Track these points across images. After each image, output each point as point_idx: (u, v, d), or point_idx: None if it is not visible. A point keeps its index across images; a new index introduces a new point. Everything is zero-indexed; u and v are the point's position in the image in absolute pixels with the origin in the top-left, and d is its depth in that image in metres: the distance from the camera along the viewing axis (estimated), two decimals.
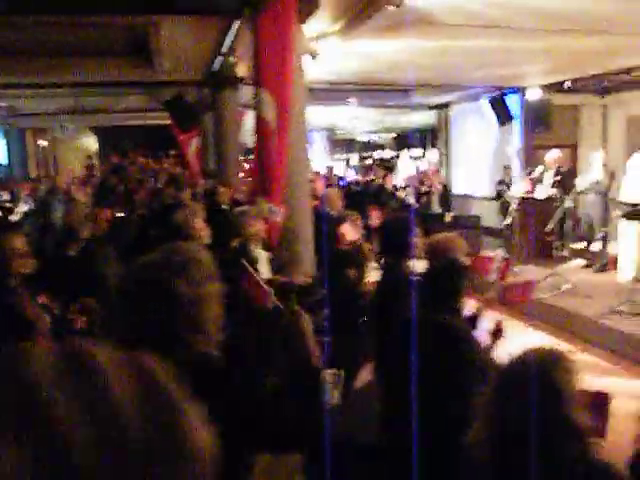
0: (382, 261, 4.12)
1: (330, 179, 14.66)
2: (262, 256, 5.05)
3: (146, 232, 6.18)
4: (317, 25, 7.02)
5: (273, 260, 5.17)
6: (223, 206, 8.02)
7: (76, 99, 12.36)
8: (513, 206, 9.40)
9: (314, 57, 7.41)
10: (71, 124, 15.63)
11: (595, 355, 6.77)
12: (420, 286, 3.41)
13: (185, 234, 4.61)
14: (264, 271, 5.02)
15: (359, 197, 12.15)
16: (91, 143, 24.18)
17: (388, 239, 3.96)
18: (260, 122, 5.74)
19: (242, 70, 9.68)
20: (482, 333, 3.87)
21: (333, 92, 13.26)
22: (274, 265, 5.15)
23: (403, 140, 26.44)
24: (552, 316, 7.81)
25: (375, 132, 28.21)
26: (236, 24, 6.61)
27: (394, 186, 13.90)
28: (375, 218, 7.81)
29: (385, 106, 16.13)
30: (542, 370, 1.76)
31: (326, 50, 7.90)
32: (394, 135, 27.64)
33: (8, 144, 19.97)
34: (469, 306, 3.90)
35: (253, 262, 4.96)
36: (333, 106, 15.45)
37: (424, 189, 12.69)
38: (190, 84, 10.64)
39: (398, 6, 5.11)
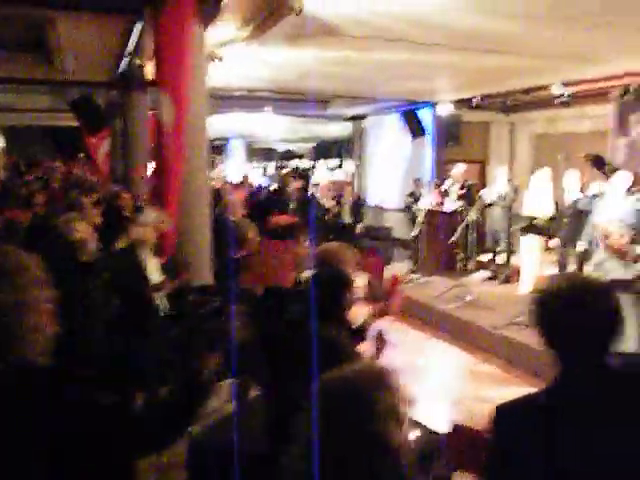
0: None
1: (244, 186, 14.50)
2: (152, 262, 4.87)
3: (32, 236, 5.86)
4: (224, 31, 6.91)
5: (165, 266, 5.00)
6: (125, 212, 7.74)
7: None
8: (420, 218, 9.53)
9: (220, 60, 7.28)
10: None
11: (494, 365, 6.91)
12: (304, 296, 3.35)
13: (64, 239, 4.38)
14: (154, 277, 4.85)
15: (269, 204, 12.05)
16: None
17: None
18: (159, 124, 5.57)
19: (151, 72, 9.44)
20: (370, 344, 3.82)
21: (250, 99, 13.18)
22: (167, 272, 4.98)
23: (321, 151, 26.58)
24: (454, 327, 7.93)
25: (294, 142, 28.26)
26: (139, 24, 6.40)
27: (311, 195, 13.85)
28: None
29: (302, 116, 16.11)
30: (360, 389, 1.67)
31: (237, 56, 7.79)
32: (313, 145, 27.76)
33: None
34: (359, 316, 3.85)
35: (140, 267, 4.79)
36: (251, 113, 15.31)
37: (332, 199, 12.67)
38: (97, 85, 10.27)
39: (298, 14, 5.05)
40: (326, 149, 26.00)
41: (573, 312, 1.85)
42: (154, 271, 4.87)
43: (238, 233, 5.01)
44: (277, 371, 3.33)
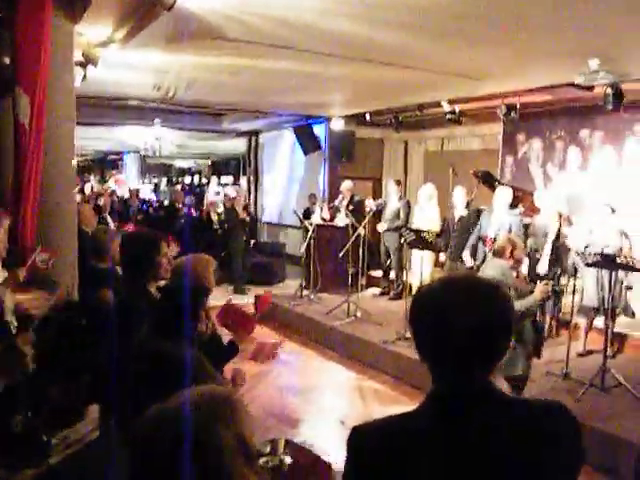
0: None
1: (132, 200, 13.90)
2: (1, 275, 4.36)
3: None
4: (100, 30, 6.47)
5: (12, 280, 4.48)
6: None
7: None
8: (309, 234, 9.33)
9: (94, 63, 6.81)
10: None
11: (380, 382, 6.73)
12: (154, 309, 3.02)
13: None
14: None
15: (155, 220, 11.61)
16: None
17: (126, 256, 3.49)
18: (18, 127, 5.06)
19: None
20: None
21: (140, 110, 12.64)
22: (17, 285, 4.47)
23: (218, 167, 26.23)
24: (344, 343, 7.74)
25: (191, 158, 27.72)
26: None
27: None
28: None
29: (195, 130, 15.66)
30: (197, 423, 1.35)
31: (119, 61, 7.35)
32: (209, 162, 27.36)
33: None
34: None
35: None
36: (145, 127, 14.73)
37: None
38: None
39: (169, 10, 4.72)
40: (223, 165, 25.67)
41: (441, 315, 1.43)
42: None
43: (96, 244, 4.60)
44: (124, 395, 2.96)
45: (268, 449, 3.70)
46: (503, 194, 7.71)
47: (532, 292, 4.62)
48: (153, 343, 2.63)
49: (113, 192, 17.48)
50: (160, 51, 6.83)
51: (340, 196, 10.21)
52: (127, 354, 2.88)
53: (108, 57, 7.12)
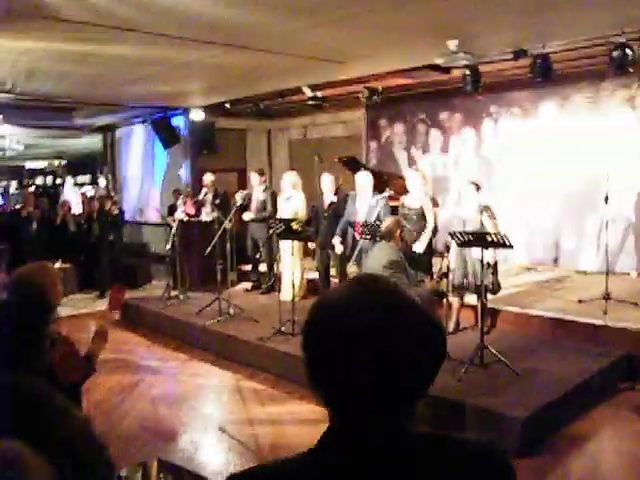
0: None
1: None
2: None
3: None
4: None
5: None
6: None
7: None
8: (173, 230, 8.85)
9: None
10: None
11: (260, 381, 6.44)
12: None
13: None
14: None
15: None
16: None
17: None
18: None
19: None
20: None
21: None
22: None
23: (74, 166, 24.79)
24: (218, 343, 7.37)
25: (44, 158, 25.99)
26: None
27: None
28: None
29: (45, 127, 14.56)
30: None
31: None
32: (64, 161, 25.80)
33: None
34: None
35: None
36: None
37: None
38: None
39: None
40: (79, 165, 24.27)
41: (334, 333, 1.04)
42: None
43: None
44: None
45: (139, 475, 3.32)
46: (363, 178, 7.66)
47: None
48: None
49: None
50: None
51: (204, 190, 9.78)
52: None
53: None
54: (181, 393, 6.20)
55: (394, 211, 7.46)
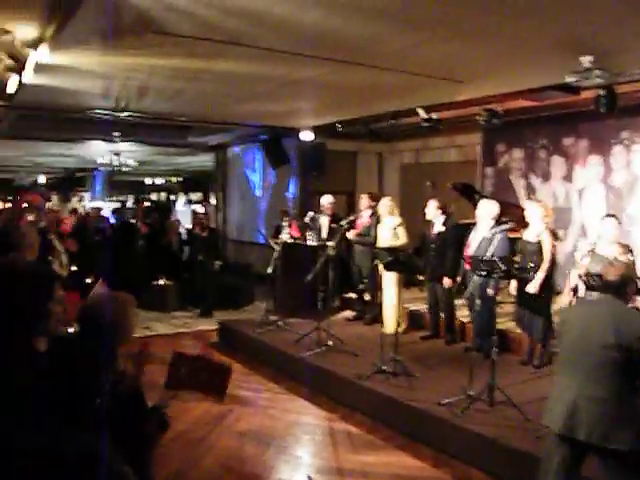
0: None
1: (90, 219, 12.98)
2: None
3: None
4: (26, 28, 5.68)
5: None
6: None
7: None
8: (276, 253, 8.54)
9: (24, 68, 6.03)
10: None
11: (355, 423, 5.93)
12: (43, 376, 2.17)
13: None
14: None
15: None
16: None
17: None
18: None
19: None
20: None
21: (96, 124, 11.83)
22: None
23: (189, 184, 25.47)
24: (314, 377, 6.91)
25: (161, 175, 26.88)
26: None
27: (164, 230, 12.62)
28: None
29: (159, 144, 14.84)
30: None
31: (53, 64, 6.56)
32: (180, 178, 26.58)
33: None
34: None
35: None
36: (100, 141, 13.88)
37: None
38: None
39: None
40: (192, 182, 24.90)
41: None
42: None
43: None
44: None
45: None
46: (488, 208, 7.02)
47: None
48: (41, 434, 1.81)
49: (75, 210, 16.62)
50: (99, 52, 6.03)
51: (311, 213, 9.41)
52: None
53: (43, 60, 6.34)
54: (270, 430, 5.78)
55: (512, 244, 6.81)
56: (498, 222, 6.89)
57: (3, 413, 2.01)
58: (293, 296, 9.06)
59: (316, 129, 11.43)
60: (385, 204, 8.30)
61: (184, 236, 12.69)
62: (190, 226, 14.14)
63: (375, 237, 8.39)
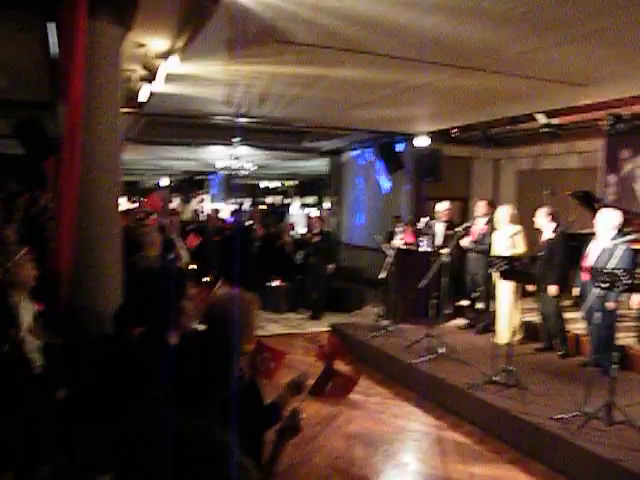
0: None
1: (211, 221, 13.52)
2: (27, 307, 3.85)
3: None
4: (159, 41, 6.04)
5: (44, 315, 3.98)
6: None
7: None
8: (389, 259, 8.54)
9: (155, 77, 6.40)
10: None
11: (464, 433, 5.84)
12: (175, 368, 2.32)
13: None
14: (26, 322, 3.82)
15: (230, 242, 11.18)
16: None
17: (141, 299, 2.73)
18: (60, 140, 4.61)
19: None
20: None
21: (218, 129, 12.35)
22: (47, 321, 3.97)
23: (304, 187, 25.91)
24: (423, 384, 6.87)
25: (277, 179, 27.56)
26: (52, 25, 5.47)
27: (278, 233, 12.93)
28: None
29: (274, 149, 15.22)
30: None
31: (180, 73, 6.93)
32: (296, 182, 27.10)
33: None
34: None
35: (10, 310, 3.77)
36: (221, 145, 14.43)
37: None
38: (36, 105, 9.29)
39: (216, 2, 4.16)
40: (307, 186, 25.31)
41: None
42: (27, 316, 3.85)
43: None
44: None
45: None
46: (609, 217, 6.70)
47: None
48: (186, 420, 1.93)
49: (195, 212, 17.32)
50: (223, 61, 6.32)
51: (426, 218, 9.36)
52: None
53: (172, 70, 6.71)
54: (379, 434, 5.81)
55: (636, 256, 6.47)
56: (620, 232, 6.57)
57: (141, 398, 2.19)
58: (405, 302, 9.03)
59: (431, 135, 11.36)
60: (506, 212, 8.09)
61: (298, 239, 12.93)
62: (304, 229, 14.39)
63: (490, 245, 8.23)
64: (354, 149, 14.83)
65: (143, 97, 7.63)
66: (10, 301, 3.78)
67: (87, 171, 4.43)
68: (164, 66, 6.55)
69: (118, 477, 2.41)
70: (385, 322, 8.88)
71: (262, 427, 2.73)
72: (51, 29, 5.50)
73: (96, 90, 4.50)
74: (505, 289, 7.66)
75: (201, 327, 2.93)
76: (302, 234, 13.43)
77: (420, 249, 9.38)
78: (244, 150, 14.84)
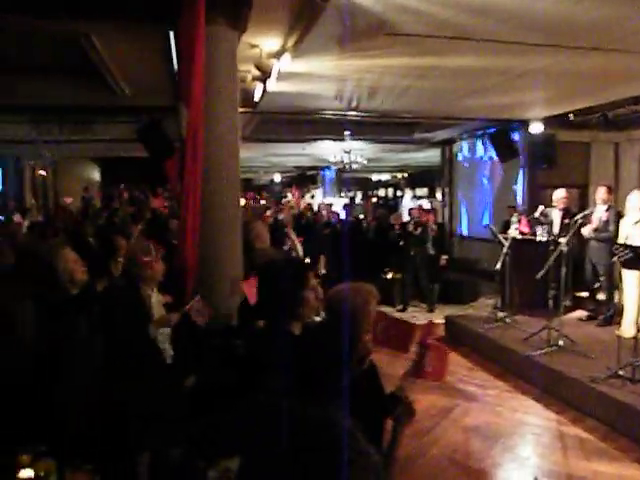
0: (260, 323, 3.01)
1: (323, 214, 13.76)
2: (155, 299, 4.11)
3: None
4: (271, 41, 6.23)
5: (172, 306, 4.23)
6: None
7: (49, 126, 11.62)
8: (505, 249, 8.36)
9: (268, 77, 6.60)
10: (50, 153, 15.02)
11: (586, 429, 5.64)
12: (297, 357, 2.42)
13: (49, 267, 3.75)
14: (157, 314, 4.08)
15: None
16: (95, 174, 23.64)
17: (265, 291, 2.83)
18: (182, 142, 4.88)
19: None
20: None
21: (329, 124, 12.52)
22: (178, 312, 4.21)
23: (414, 179, 25.74)
24: (542, 377, 6.70)
25: (388, 171, 27.50)
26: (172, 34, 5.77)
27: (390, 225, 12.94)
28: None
29: (385, 141, 15.23)
30: None
31: (292, 71, 7.09)
32: (406, 174, 26.95)
33: (4, 172, 19.45)
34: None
35: (143, 302, 4.04)
36: (332, 140, 14.62)
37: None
38: (159, 110, 9.79)
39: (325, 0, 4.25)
40: (418, 178, 25.12)
41: None
42: (156, 309, 4.11)
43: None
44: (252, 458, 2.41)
45: None
46: None
47: None
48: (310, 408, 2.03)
49: (309, 206, 17.64)
50: (334, 56, 6.42)
51: (541, 207, 9.06)
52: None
53: (285, 68, 6.88)
54: (497, 427, 5.73)
55: None
56: None
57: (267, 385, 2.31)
58: (522, 293, 8.82)
59: (546, 120, 10.99)
60: (635, 199, 7.70)
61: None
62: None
63: (615, 233, 7.87)
64: (466, 138, 14.59)
65: (257, 96, 7.87)
66: (143, 294, 4.05)
67: (209, 170, 4.66)
68: (277, 65, 6.73)
69: (242, 464, 2.55)
70: (501, 314, 8.70)
71: (382, 415, 2.78)
72: (171, 37, 5.81)
73: (215, 92, 4.71)
74: (632, 279, 7.31)
75: (320, 319, 3.03)
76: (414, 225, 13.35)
77: (537, 238, 9.10)
78: (355, 144, 14.95)
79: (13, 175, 19.74)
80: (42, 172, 20.88)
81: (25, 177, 20.30)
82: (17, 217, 12.53)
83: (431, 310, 10.69)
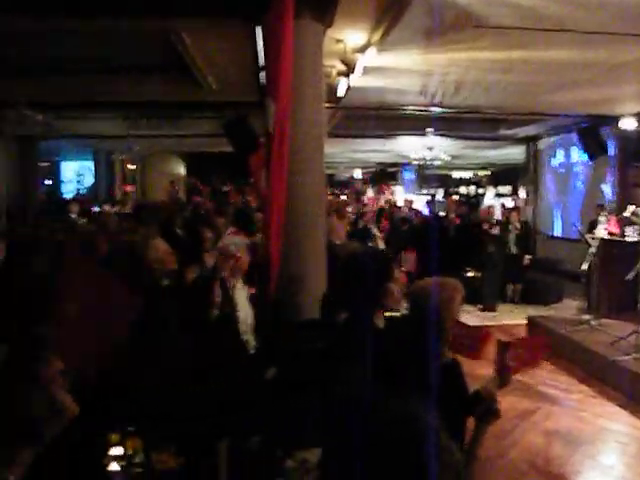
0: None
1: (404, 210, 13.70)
2: (241, 291, 4.21)
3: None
4: (357, 35, 6.24)
5: (257, 297, 4.32)
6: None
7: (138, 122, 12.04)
8: (592, 249, 8.08)
9: (352, 71, 6.60)
10: (139, 147, 15.56)
11: None
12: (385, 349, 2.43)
13: (141, 258, 3.89)
14: (241, 304, 4.18)
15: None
16: (180, 168, 24.29)
17: (347, 283, 2.83)
18: (268, 137, 4.96)
19: None
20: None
21: (412, 120, 12.43)
22: (259, 303, 4.30)
23: (497, 177, 25.23)
24: (631, 385, 6.44)
25: (470, 169, 27.04)
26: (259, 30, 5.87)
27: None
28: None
29: (468, 138, 14.98)
30: None
31: (376, 66, 7.08)
32: (489, 172, 26.44)
33: (96, 166, 20.34)
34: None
35: (228, 292, 4.14)
36: (415, 136, 14.51)
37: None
38: (245, 105, 9.96)
39: None
40: (501, 175, 24.59)
41: None
42: (242, 300, 4.21)
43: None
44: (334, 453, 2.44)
45: None
46: None
47: None
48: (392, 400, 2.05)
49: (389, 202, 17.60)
50: (420, 50, 6.37)
51: (632, 206, 8.72)
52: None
53: (369, 63, 6.88)
54: (579, 433, 5.55)
55: None
56: None
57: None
58: (610, 295, 8.49)
59: (638, 115, 10.54)
60: None
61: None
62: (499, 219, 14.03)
63: None
64: (552, 134, 14.16)
65: (341, 92, 7.90)
66: (228, 284, 4.15)
67: (294, 164, 4.72)
68: (362, 59, 6.73)
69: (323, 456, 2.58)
70: (587, 316, 8.42)
71: (464, 412, 2.75)
72: (257, 33, 5.91)
73: (301, 87, 4.77)
74: None
75: (404, 311, 3.02)
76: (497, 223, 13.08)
77: (627, 239, 8.76)
78: (437, 140, 14.78)
79: (104, 168, 20.62)
80: (131, 166, 21.68)
81: (115, 170, 21.15)
82: (107, 207, 13.07)
83: (491, 309, 10.35)
